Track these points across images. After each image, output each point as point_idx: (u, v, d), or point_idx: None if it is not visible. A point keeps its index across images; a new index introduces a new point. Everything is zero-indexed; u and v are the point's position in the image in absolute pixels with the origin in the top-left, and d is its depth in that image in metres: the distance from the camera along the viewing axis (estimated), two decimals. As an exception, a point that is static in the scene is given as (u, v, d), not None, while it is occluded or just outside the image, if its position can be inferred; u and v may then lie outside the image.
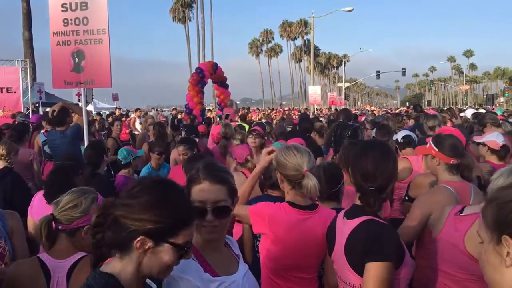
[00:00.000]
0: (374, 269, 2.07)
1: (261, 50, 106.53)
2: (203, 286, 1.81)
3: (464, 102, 79.80)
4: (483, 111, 11.38)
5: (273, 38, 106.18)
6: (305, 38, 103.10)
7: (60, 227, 2.28)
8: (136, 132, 13.53)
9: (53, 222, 2.30)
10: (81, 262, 2.23)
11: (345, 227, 2.28)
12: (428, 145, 3.40)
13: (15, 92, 14.45)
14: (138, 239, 1.48)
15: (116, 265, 1.54)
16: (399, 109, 33.40)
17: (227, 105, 15.23)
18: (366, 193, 2.24)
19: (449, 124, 7.70)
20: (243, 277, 1.98)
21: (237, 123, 10.00)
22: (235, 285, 1.91)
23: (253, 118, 18.05)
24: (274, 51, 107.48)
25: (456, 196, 3.06)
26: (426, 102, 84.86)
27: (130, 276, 1.54)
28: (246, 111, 21.82)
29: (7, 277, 2.28)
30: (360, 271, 2.14)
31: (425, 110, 15.17)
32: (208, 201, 1.86)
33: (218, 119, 13.02)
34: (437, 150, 3.26)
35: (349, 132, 5.11)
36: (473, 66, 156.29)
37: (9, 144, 5.18)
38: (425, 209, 3.06)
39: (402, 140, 5.29)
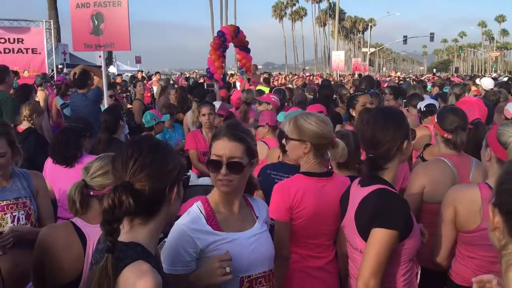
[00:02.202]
0: (379, 235, 2.09)
1: (285, 13, 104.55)
2: (196, 238, 1.93)
3: (493, 69, 77.16)
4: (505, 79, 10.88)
5: (297, 1, 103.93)
6: (330, 1, 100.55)
7: (92, 193, 2.30)
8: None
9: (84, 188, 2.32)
10: None
11: (358, 194, 2.29)
12: None
13: (40, 53, 14.59)
14: (175, 190, 1.61)
15: (139, 232, 1.56)
16: (424, 76, 32.60)
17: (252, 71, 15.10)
18: (364, 160, 2.27)
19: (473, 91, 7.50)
20: (251, 237, 2.06)
21: (257, 88, 9.93)
22: (235, 243, 2.00)
23: (275, 83, 17.90)
24: (298, 15, 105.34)
25: (453, 169, 3.00)
26: (454, 69, 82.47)
27: (156, 239, 1.61)
28: (268, 75, 21.62)
29: (40, 240, 2.30)
30: (366, 237, 2.17)
31: (451, 78, 14.78)
32: (224, 156, 1.98)
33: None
34: (436, 121, 3.20)
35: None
36: (504, 32, 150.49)
37: (32, 105, 5.24)
38: (418, 181, 3.03)
39: (424, 109, 5.17)
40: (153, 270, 1.45)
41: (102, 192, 2.28)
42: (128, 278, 1.41)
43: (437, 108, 5.22)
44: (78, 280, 2.18)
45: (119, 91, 10.96)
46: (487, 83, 8.70)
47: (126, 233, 1.56)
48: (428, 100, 5.46)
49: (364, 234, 2.18)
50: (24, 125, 5.06)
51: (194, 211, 2.04)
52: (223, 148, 2.00)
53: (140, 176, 1.52)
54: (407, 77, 28.12)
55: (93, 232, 2.23)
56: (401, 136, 2.25)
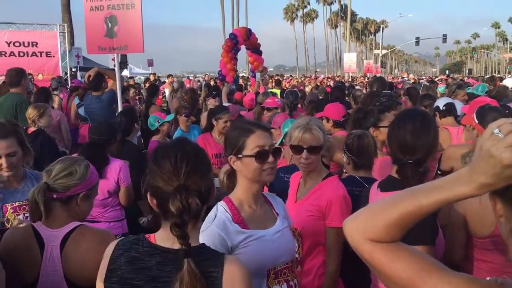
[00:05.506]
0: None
1: (296, 15, 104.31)
2: (226, 236, 1.97)
3: (507, 71, 76.13)
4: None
5: (308, 3, 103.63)
6: (342, 2, 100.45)
7: (55, 196, 2.19)
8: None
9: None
10: (75, 232, 2.16)
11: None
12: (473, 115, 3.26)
13: (53, 56, 14.72)
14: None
15: (193, 238, 1.52)
16: (438, 78, 32.30)
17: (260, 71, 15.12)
18: (403, 166, 2.18)
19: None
20: (276, 233, 2.12)
21: (269, 91, 9.89)
22: (263, 240, 2.06)
23: (286, 86, 17.86)
24: (310, 17, 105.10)
25: None
26: (467, 71, 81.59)
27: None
28: (280, 77, 21.57)
29: (2, 241, 2.23)
30: None
31: (465, 80, 14.60)
32: (266, 145, 2.09)
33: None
34: (477, 122, 3.12)
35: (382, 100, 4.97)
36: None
37: (35, 108, 5.10)
38: None
39: (443, 108, 5.05)
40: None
41: (66, 194, 2.19)
42: (232, 270, 1.49)
43: (455, 107, 5.11)
44: (34, 284, 2.10)
45: (134, 93, 10.97)
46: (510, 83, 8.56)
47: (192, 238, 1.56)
48: (445, 99, 5.36)
49: None
50: (33, 127, 5.01)
51: (220, 211, 2.08)
52: (263, 138, 2.10)
53: (194, 178, 1.52)
54: (420, 79, 27.74)
55: (52, 236, 2.15)
56: (437, 141, 2.24)
